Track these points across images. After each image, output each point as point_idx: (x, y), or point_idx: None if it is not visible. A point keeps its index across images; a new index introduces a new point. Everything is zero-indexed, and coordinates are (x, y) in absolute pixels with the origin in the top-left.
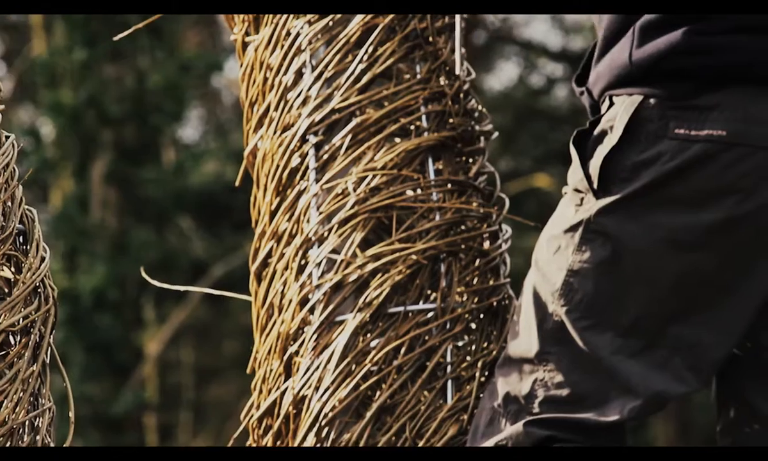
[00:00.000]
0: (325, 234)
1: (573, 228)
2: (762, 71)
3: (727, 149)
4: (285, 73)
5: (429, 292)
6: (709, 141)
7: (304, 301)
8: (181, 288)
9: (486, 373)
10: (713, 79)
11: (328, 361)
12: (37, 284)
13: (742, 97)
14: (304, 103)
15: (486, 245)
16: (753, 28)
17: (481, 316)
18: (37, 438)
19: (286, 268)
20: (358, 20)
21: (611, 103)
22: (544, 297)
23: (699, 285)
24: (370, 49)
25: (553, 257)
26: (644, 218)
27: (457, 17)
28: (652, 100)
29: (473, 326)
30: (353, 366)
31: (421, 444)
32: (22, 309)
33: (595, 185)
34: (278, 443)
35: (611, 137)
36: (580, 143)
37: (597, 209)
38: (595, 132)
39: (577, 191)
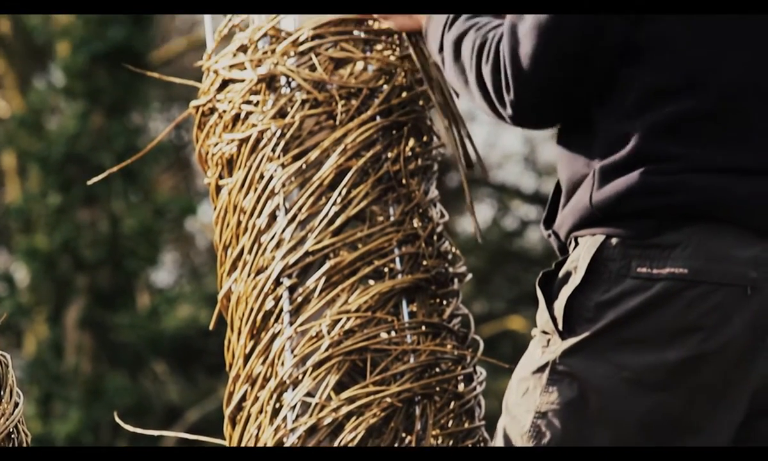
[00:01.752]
0: (300, 377)
1: (540, 370)
2: (721, 210)
3: (689, 287)
4: (259, 216)
5: (404, 435)
6: (671, 279)
7: (278, 444)
8: (156, 433)
9: None
10: (674, 218)
11: None
12: (11, 429)
13: (703, 235)
14: (277, 246)
15: (461, 387)
16: (710, 167)
17: None
18: None
19: (260, 411)
20: (331, 163)
21: (576, 245)
22: (513, 440)
23: (666, 426)
24: (344, 192)
25: (522, 399)
26: (609, 358)
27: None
28: (614, 240)
29: None
30: None
31: None
32: None
33: (560, 326)
34: None
35: (575, 277)
36: (546, 285)
37: (563, 350)
38: (560, 273)
39: (544, 332)
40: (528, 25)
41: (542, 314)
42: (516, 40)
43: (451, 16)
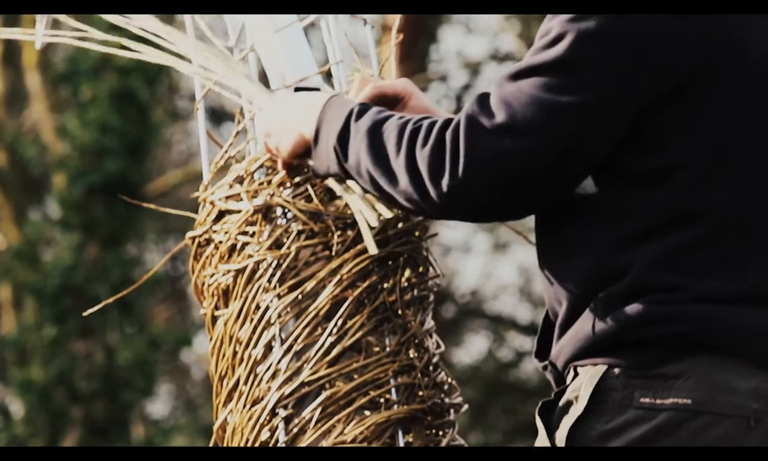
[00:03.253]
0: None
1: None
2: (721, 341)
3: (692, 418)
4: (254, 346)
5: None
6: (674, 410)
7: None
8: None
9: None
10: (677, 348)
11: None
12: None
13: (707, 365)
14: (273, 376)
15: None
16: (710, 298)
17: None
18: None
19: None
20: (327, 294)
21: (576, 374)
22: None
23: None
24: (340, 323)
25: None
26: None
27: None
28: (616, 370)
29: None
30: None
31: None
32: None
33: None
34: None
35: (576, 407)
36: (546, 415)
37: None
38: (561, 403)
39: None
40: (498, 122)
41: (542, 443)
42: (480, 131)
43: (356, 108)
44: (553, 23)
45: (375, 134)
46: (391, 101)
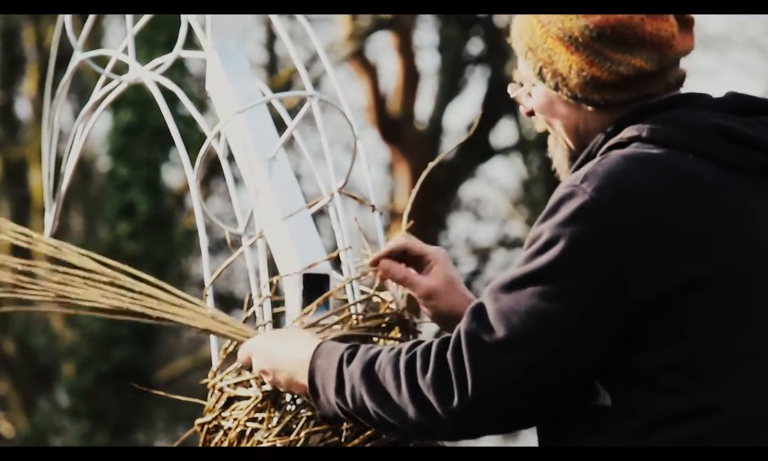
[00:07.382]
0: None
1: None
2: None
3: None
4: None
5: None
6: None
7: None
8: None
9: None
10: None
11: None
12: None
13: None
14: None
15: None
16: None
17: None
18: None
19: None
20: None
21: None
22: None
23: None
24: None
25: None
26: None
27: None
28: None
29: None
30: None
31: None
32: None
33: None
34: None
35: None
36: None
37: None
38: None
39: None
40: (500, 337)
41: None
42: (483, 349)
43: (345, 353)
44: (543, 227)
45: (370, 375)
46: (415, 260)
